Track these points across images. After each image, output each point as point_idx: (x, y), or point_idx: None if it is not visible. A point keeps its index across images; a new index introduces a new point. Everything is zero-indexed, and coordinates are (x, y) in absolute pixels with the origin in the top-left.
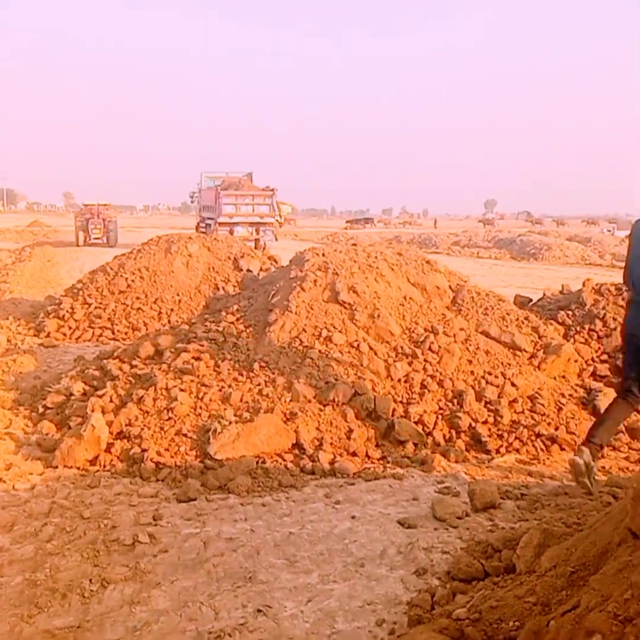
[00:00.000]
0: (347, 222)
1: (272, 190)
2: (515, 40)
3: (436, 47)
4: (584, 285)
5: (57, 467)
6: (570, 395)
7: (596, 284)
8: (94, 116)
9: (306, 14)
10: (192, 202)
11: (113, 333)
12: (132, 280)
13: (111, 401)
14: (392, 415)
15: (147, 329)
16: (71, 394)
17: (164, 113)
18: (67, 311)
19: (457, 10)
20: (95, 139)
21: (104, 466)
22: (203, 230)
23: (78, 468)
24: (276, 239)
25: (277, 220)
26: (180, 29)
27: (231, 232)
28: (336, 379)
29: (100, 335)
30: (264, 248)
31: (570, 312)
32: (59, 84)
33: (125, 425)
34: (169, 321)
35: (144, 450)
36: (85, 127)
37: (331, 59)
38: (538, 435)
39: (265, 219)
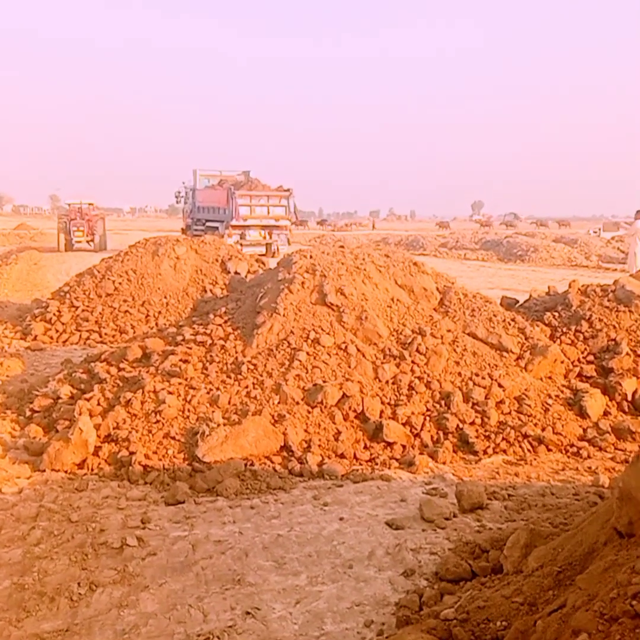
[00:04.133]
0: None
1: (288, 190)
2: (509, 41)
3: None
4: (570, 286)
5: (44, 470)
6: (557, 396)
7: (582, 285)
8: (79, 117)
9: (287, 15)
10: (177, 202)
11: (100, 336)
12: (120, 283)
13: (99, 404)
14: (380, 416)
15: (134, 332)
16: (58, 398)
17: (149, 114)
18: (54, 314)
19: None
20: (81, 140)
21: (92, 469)
22: (199, 233)
23: (66, 471)
24: (289, 243)
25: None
26: (170, 29)
27: (242, 236)
28: (324, 381)
29: (88, 339)
30: (274, 254)
31: (556, 314)
32: (43, 84)
33: (113, 428)
34: (156, 324)
35: (131, 453)
36: (71, 128)
37: (317, 58)
38: (525, 436)
39: (280, 221)
